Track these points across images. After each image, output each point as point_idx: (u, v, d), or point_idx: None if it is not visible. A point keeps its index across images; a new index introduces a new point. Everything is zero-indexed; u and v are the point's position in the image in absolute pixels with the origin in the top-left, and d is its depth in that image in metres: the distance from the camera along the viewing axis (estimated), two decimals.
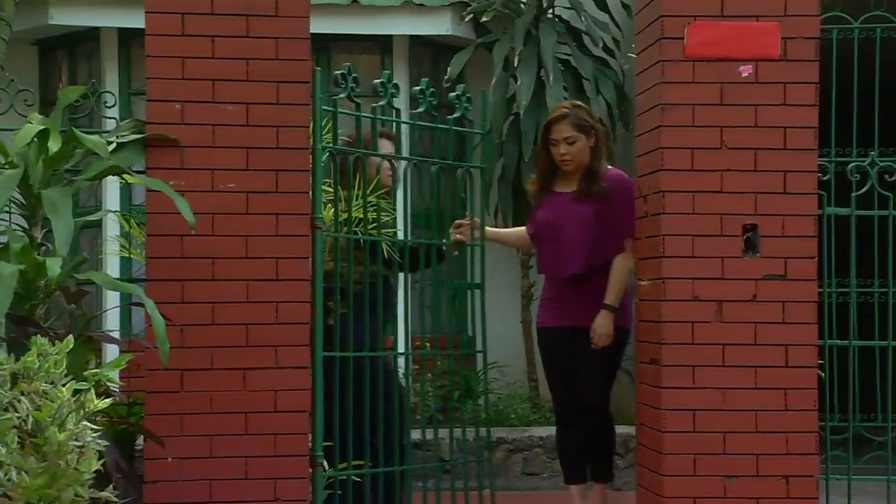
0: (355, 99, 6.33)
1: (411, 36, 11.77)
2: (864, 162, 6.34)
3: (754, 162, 5.97)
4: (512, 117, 11.23)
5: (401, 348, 10.34)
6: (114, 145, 5.48)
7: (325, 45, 11.69)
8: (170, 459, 5.51)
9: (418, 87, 6.67)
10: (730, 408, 5.92)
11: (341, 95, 6.28)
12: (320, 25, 11.36)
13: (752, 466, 5.92)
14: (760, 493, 5.91)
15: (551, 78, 10.95)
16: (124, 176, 5.81)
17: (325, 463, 6.53)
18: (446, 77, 11.22)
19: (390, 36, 11.76)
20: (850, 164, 6.39)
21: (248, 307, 5.78)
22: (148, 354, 5.68)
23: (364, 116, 6.40)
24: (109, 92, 6.30)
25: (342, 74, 6.29)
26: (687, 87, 5.98)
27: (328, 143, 6.24)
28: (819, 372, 6.74)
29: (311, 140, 6.06)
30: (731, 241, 5.95)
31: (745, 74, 5.96)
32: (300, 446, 5.81)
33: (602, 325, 6.63)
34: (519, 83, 11.08)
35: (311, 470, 6.00)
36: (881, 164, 6.29)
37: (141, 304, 5.21)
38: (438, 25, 11.60)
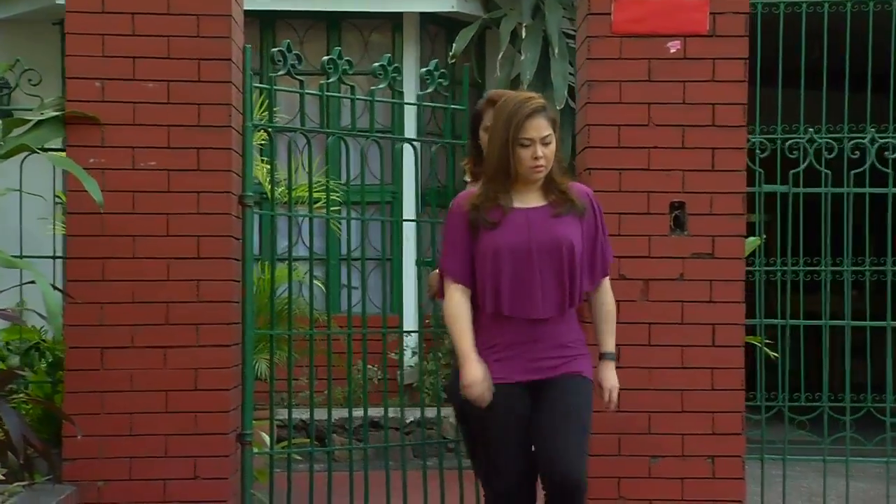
0: (297, 76, 6.11)
1: (422, 13, 11.52)
2: (804, 139, 6.01)
3: (682, 139, 5.73)
4: None
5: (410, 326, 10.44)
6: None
7: (335, 23, 11.50)
8: (79, 437, 5.35)
9: (378, 64, 6.39)
10: (655, 387, 5.70)
11: (280, 72, 6.06)
12: (330, 4, 11.23)
13: (678, 446, 5.70)
14: (685, 473, 5.70)
15: (556, 52, 10.66)
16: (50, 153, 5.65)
17: (268, 439, 6.38)
18: (451, 53, 11.01)
19: (402, 13, 11.51)
20: (789, 142, 6.06)
21: (168, 285, 5.62)
22: (67, 333, 5.55)
23: (295, 92, 6.19)
24: (33, 69, 6.09)
25: (280, 51, 6.08)
26: (614, 64, 5.73)
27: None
28: (771, 352, 6.49)
29: (243, 118, 5.87)
30: (659, 219, 5.72)
31: (673, 50, 5.71)
32: (222, 425, 5.64)
33: (614, 379, 4.93)
34: (523, 58, 10.82)
35: (240, 448, 5.84)
36: (820, 140, 5.96)
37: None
38: (444, 2, 11.35)
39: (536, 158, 4.69)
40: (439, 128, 11.60)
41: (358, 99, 6.51)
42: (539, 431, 4.72)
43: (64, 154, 5.59)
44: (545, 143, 4.70)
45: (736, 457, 5.69)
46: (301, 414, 9.48)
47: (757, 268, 6.29)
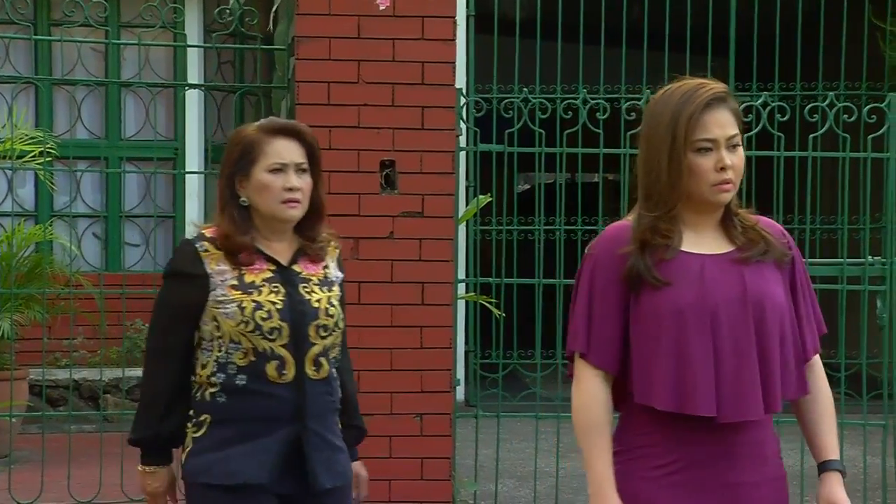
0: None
1: None
2: (518, 99, 6.04)
3: (392, 97, 5.69)
4: None
5: None
6: None
7: None
8: None
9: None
10: (365, 346, 5.65)
11: None
12: None
13: (387, 404, 5.69)
14: (394, 430, 5.70)
15: None
16: None
17: None
18: (229, 6, 10.84)
19: None
20: (504, 101, 6.10)
21: None
22: None
23: None
24: None
25: None
26: (323, 20, 5.68)
27: None
28: (497, 311, 6.54)
29: None
30: (369, 177, 5.68)
31: (382, 7, 5.67)
32: None
33: (847, 500, 3.21)
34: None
35: None
36: (533, 100, 6.00)
37: None
38: None
39: (723, 169, 3.06)
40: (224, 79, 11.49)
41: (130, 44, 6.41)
42: None
43: None
44: (732, 147, 3.10)
45: (444, 414, 5.72)
46: (76, 374, 9.40)
47: (473, 227, 6.34)
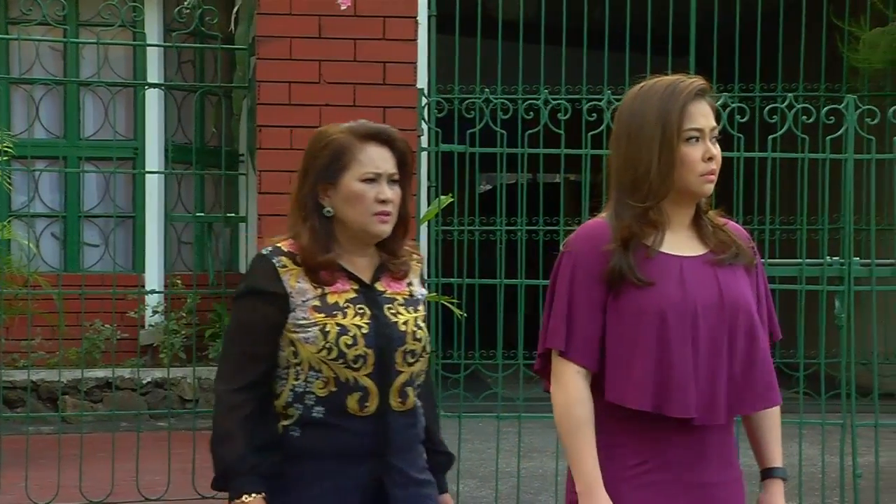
0: None
1: None
2: (479, 99, 6.06)
3: (354, 97, 5.70)
4: None
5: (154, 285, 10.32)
6: None
7: None
8: None
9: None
10: None
11: None
12: None
13: None
14: None
15: None
16: None
17: None
18: (186, 3, 10.83)
19: None
20: (466, 101, 6.11)
21: None
22: None
23: None
24: None
25: None
26: (284, 19, 5.69)
27: None
28: (458, 311, 6.55)
29: None
30: None
31: (343, 7, 5.68)
32: None
33: None
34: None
35: None
36: (495, 101, 6.00)
37: None
38: None
39: (710, 159, 3.08)
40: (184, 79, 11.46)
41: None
42: None
43: None
44: (713, 140, 3.12)
45: None
46: (35, 375, 9.37)
47: (434, 227, 6.35)
